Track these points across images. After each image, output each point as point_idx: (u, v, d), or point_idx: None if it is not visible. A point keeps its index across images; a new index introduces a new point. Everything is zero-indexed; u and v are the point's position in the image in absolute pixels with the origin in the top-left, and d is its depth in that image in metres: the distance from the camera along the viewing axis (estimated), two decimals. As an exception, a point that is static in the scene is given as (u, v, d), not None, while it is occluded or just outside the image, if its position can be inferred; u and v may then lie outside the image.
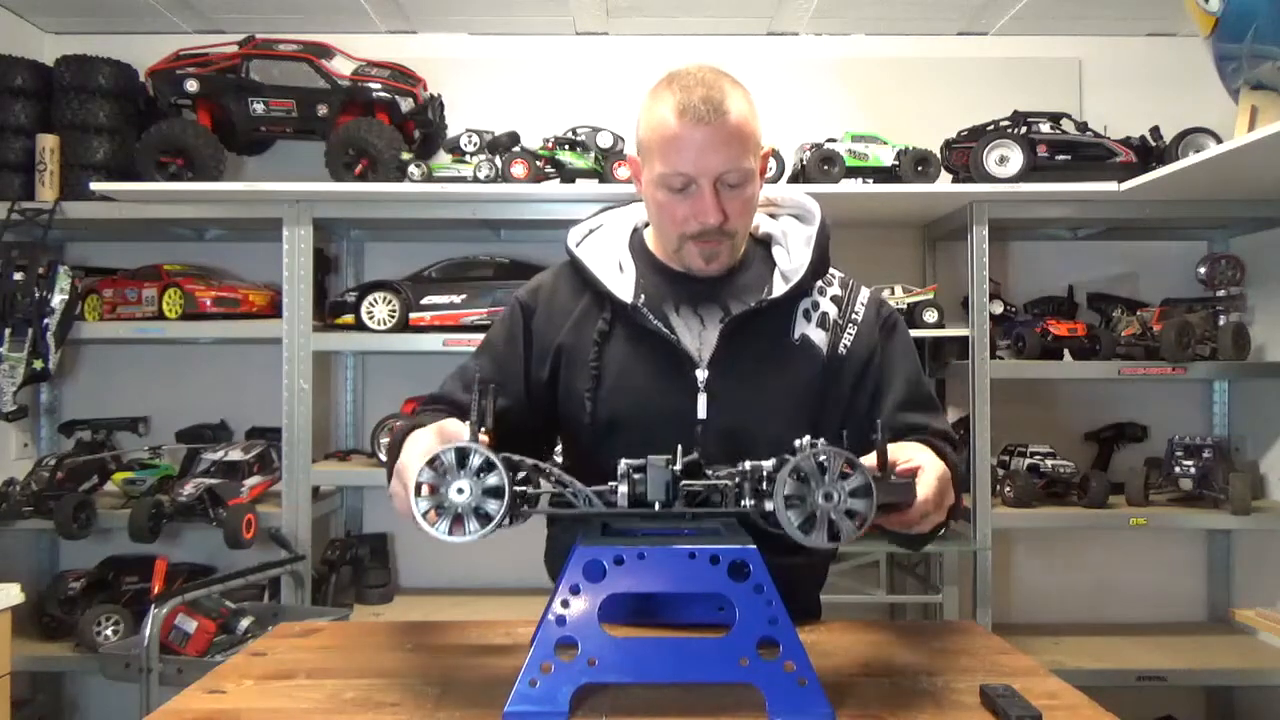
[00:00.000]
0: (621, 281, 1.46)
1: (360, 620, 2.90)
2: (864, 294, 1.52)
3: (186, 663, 2.32)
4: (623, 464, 1.09)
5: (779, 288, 1.45)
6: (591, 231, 1.56)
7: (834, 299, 1.49)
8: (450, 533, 1.02)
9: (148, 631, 2.22)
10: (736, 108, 1.36)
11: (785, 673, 1.03)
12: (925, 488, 1.18)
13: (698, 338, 1.44)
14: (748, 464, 1.08)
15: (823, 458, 1.03)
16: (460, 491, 1.02)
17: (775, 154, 2.87)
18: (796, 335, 1.45)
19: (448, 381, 1.51)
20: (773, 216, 1.57)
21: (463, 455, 1.03)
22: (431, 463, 1.02)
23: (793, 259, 1.49)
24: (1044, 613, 3.33)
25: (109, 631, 2.80)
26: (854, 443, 1.09)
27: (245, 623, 2.54)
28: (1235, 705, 3.27)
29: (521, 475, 1.08)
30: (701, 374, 1.41)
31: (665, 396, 1.41)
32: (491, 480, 1.02)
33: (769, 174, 2.84)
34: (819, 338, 1.45)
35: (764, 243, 1.55)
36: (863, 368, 1.46)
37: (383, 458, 2.89)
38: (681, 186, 1.38)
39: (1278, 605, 3.10)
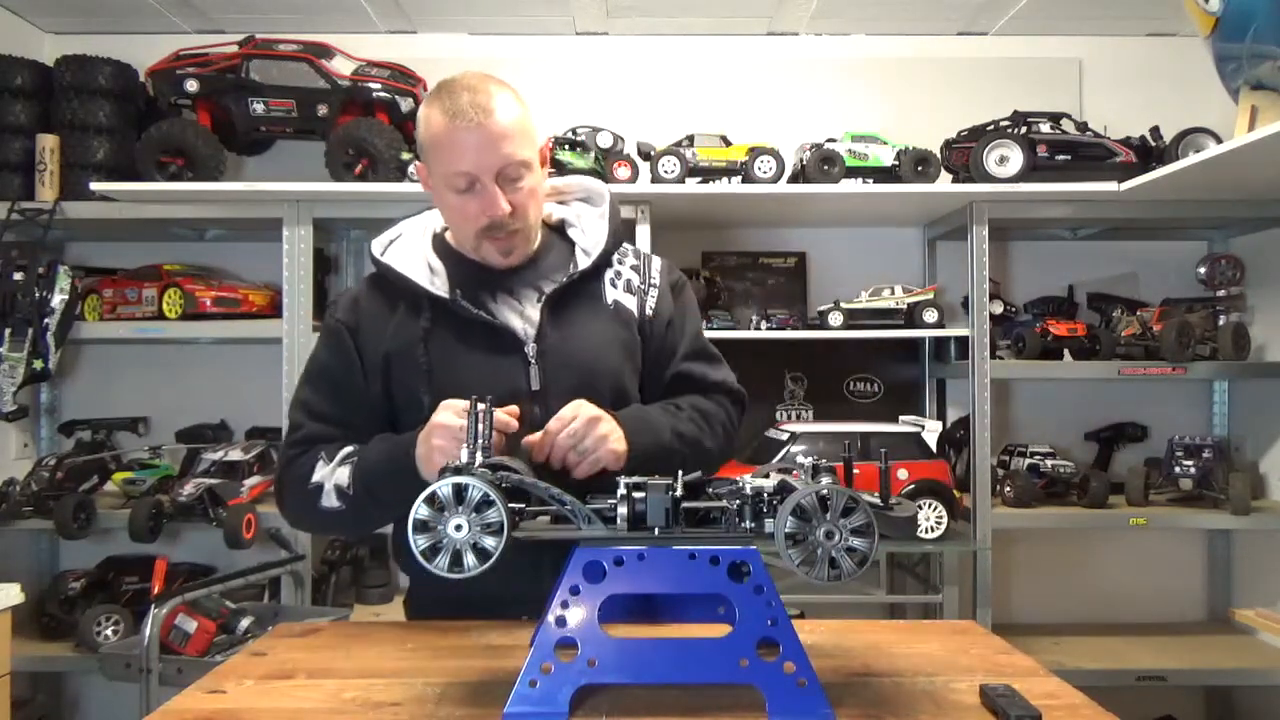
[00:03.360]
0: (435, 281, 1.54)
1: (360, 620, 2.90)
2: (657, 262, 1.66)
3: (186, 663, 2.32)
4: (622, 484, 1.09)
5: (583, 261, 1.57)
6: (392, 241, 1.62)
7: (633, 268, 1.63)
8: (450, 570, 1.02)
9: (148, 631, 2.22)
10: (503, 105, 1.46)
11: (785, 673, 1.03)
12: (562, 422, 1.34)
13: (520, 317, 1.53)
14: (749, 486, 1.09)
15: (825, 494, 1.02)
16: (459, 528, 1.02)
17: (775, 153, 2.87)
18: (609, 301, 1.58)
19: (303, 421, 1.53)
20: (563, 203, 1.68)
21: (460, 491, 1.03)
22: (429, 499, 1.02)
23: (590, 235, 1.61)
24: (1044, 613, 3.33)
25: (109, 631, 2.80)
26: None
27: (245, 623, 2.54)
28: (1235, 705, 3.27)
29: (518, 494, 1.09)
30: (530, 349, 1.50)
31: (498, 377, 1.47)
32: (490, 517, 1.02)
33: (767, 174, 2.87)
34: (630, 302, 1.59)
35: (558, 229, 1.66)
36: (665, 326, 1.61)
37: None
38: (467, 186, 1.47)
39: (1278, 605, 3.10)
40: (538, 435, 1.36)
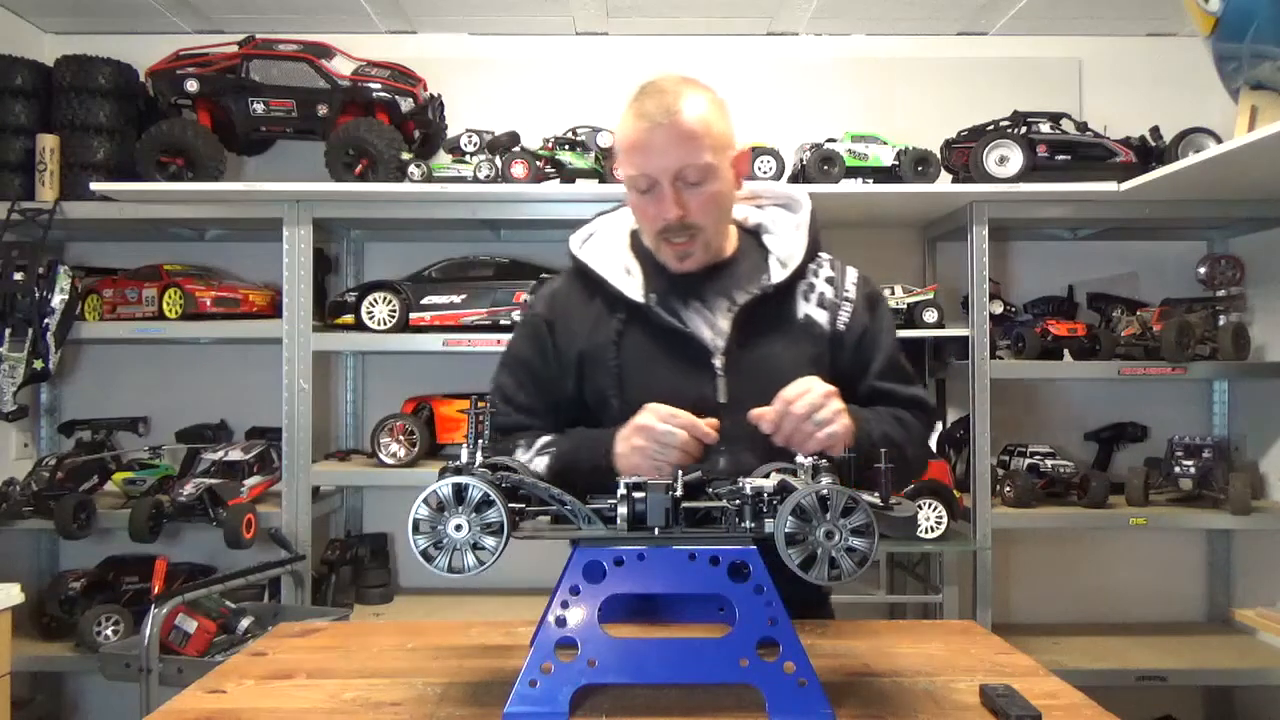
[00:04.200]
0: (630, 283, 1.54)
1: (360, 620, 2.90)
2: (852, 273, 1.62)
3: (186, 663, 2.32)
4: (622, 484, 1.09)
5: (778, 273, 1.54)
6: (591, 236, 1.62)
7: (828, 280, 1.59)
8: (449, 569, 1.02)
9: (148, 631, 2.22)
10: (691, 109, 1.44)
11: (785, 673, 1.03)
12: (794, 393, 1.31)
13: (710, 328, 1.52)
14: (749, 486, 1.09)
15: (825, 494, 1.02)
16: (459, 528, 1.02)
17: (775, 153, 2.88)
18: (801, 315, 1.55)
19: (501, 408, 1.58)
20: (759, 208, 1.66)
21: (461, 491, 1.03)
22: (428, 500, 1.02)
23: (786, 245, 1.57)
24: (1044, 613, 3.33)
25: (109, 631, 2.80)
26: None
27: (245, 623, 2.54)
28: (1235, 705, 3.27)
29: (519, 493, 1.09)
30: (718, 361, 1.49)
31: (686, 386, 1.47)
32: (490, 517, 1.03)
33: (767, 174, 2.87)
34: (821, 316, 1.55)
35: (754, 233, 1.63)
36: (857, 341, 1.57)
37: (376, 457, 2.89)
38: (646, 187, 1.47)
39: (1278, 605, 3.09)
40: (767, 409, 1.32)
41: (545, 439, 1.50)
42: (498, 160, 2.88)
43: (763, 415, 1.33)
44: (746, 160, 1.57)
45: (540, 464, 1.46)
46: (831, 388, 1.35)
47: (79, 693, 3.32)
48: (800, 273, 1.55)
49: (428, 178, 2.87)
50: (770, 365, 1.47)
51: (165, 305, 2.95)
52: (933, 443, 2.89)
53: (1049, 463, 3.06)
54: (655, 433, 1.33)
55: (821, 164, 2.87)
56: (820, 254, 1.61)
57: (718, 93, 1.52)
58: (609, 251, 1.58)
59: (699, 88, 1.49)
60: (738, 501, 1.09)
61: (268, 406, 3.04)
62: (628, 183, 1.50)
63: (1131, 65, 3.35)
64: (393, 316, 2.89)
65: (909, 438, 1.52)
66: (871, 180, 2.91)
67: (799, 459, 1.12)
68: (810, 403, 1.31)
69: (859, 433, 1.37)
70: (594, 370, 1.52)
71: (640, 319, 1.52)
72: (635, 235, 1.62)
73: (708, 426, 1.34)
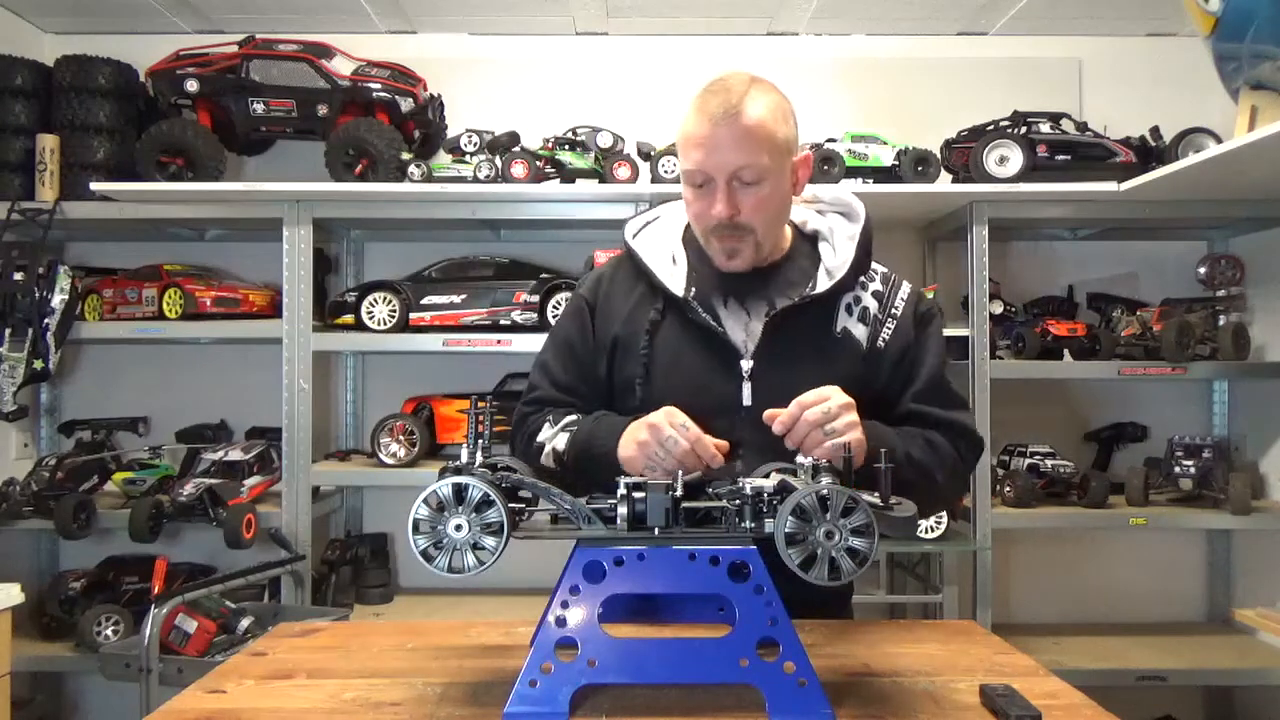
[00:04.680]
0: (674, 274, 1.54)
1: (360, 620, 2.90)
2: (905, 289, 1.58)
3: (186, 663, 2.32)
4: (622, 484, 1.09)
5: (823, 283, 1.52)
6: (648, 224, 1.63)
7: (875, 294, 1.56)
8: (449, 569, 1.03)
9: (148, 631, 2.22)
10: (754, 109, 1.43)
11: (785, 673, 1.03)
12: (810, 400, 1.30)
13: (744, 329, 1.51)
14: (749, 486, 1.09)
15: (825, 494, 1.02)
16: (459, 528, 1.02)
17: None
18: (839, 329, 1.52)
19: (540, 383, 1.60)
20: (820, 214, 1.63)
21: (460, 491, 1.03)
22: (428, 500, 1.02)
23: (838, 255, 1.55)
24: (1044, 613, 3.33)
25: (109, 631, 2.80)
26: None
27: (245, 623, 2.54)
28: (1235, 705, 3.26)
29: (519, 494, 1.09)
30: (746, 364, 1.48)
31: (711, 385, 1.48)
32: (490, 517, 1.03)
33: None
34: (859, 332, 1.52)
35: (811, 239, 1.61)
36: (897, 360, 1.53)
37: (376, 457, 2.89)
38: (701, 183, 1.47)
39: (1278, 605, 3.09)
40: (781, 410, 1.31)
41: (571, 417, 1.51)
42: (498, 160, 2.88)
43: (775, 416, 1.32)
44: (809, 166, 1.55)
45: (561, 441, 1.48)
46: (849, 400, 1.33)
47: (79, 693, 3.32)
48: (847, 285, 1.52)
49: (428, 178, 2.87)
50: (798, 376, 1.43)
51: (165, 305, 2.95)
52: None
53: (1049, 463, 3.06)
54: (661, 434, 1.33)
55: (821, 164, 2.87)
56: (875, 266, 1.58)
57: (785, 96, 1.51)
58: (660, 240, 1.58)
59: (766, 88, 1.47)
60: (738, 501, 1.09)
61: (268, 406, 3.04)
62: (684, 177, 1.49)
63: (1131, 65, 3.35)
64: (393, 316, 2.89)
65: (939, 461, 1.46)
66: (871, 180, 2.91)
67: (799, 459, 1.12)
68: (824, 410, 1.29)
69: (874, 449, 1.34)
70: (624, 356, 1.53)
71: (677, 311, 1.52)
72: (689, 227, 1.61)
73: (715, 449, 1.32)
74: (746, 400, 1.46)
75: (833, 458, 1.25)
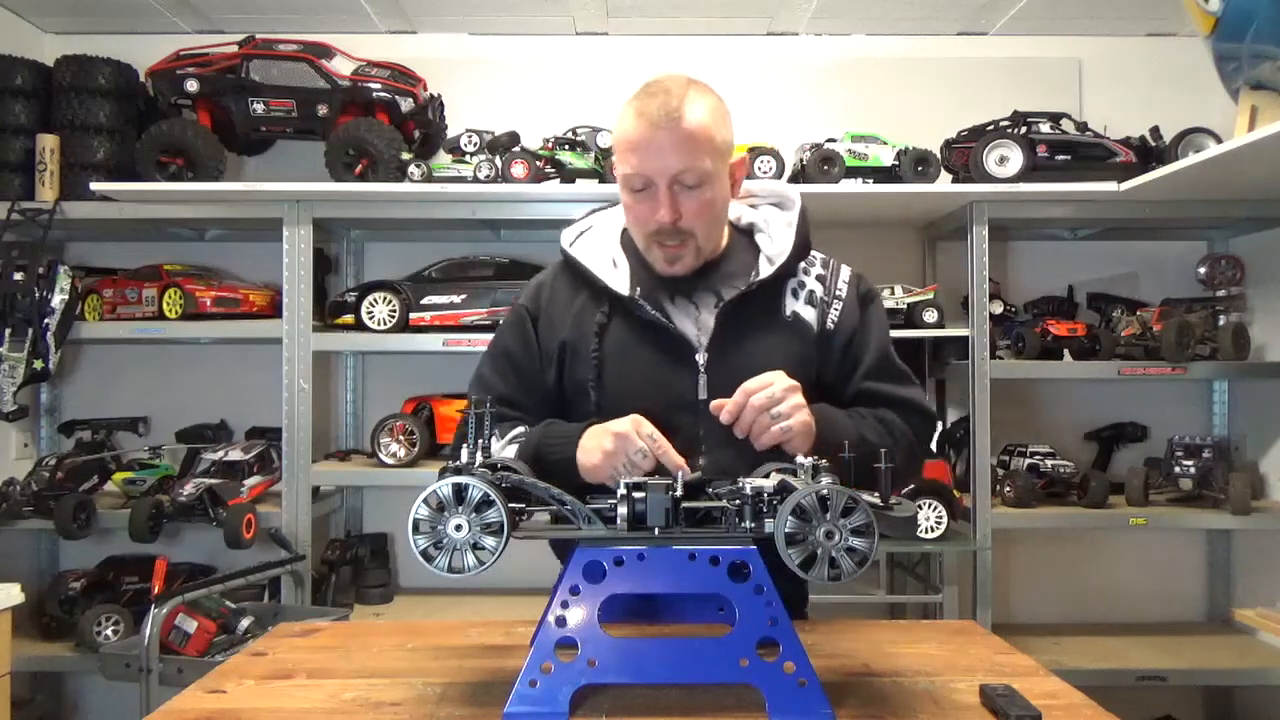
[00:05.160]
0: (617, 275, 1.52)
1: (360, 620, 2.90)
2: (845, 272, 1.59)
3: (186, 663, 2.32)
4: (622, 484, 1.09)
5: (765, 269, 1.52)
6: (583, 232, 1.62)
7: (818, 278, 1.57)
8: (449, 569, 1.03)
9: (148, 631, 2.22)
10: (694, 113, 1.42)
11: (785, 673, 1.03)
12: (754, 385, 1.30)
13: (694, 323, 1.50)
14: (749, 486, 1.09)
15: (825, 494, 1.02)
16: (459, 528, 1.02)
17: (775, 153, 2.87)
18: (788, 312, 1.53)
19: (478, 396, 1.54)
20: (753, 207, 1.64)
21: (460, 491, 1.03)
22: (428, 500, 1.02)
23: (776, 243, 1.56)
24: (1044, 613, 3.33)
25: (109, 631, 2.80)
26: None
27: (245, 623, 2.54)
28: (1235, 705, 3.27)
29: (519, 494, 1.09)
30: (701, 357, 1.47)
31: (667, 381, 1.47)
32: (490, 517, 1.03)
33: (767, 174, 2.87)
34: (809, 314, 1.53)
35: (747, 232, 1.62)
36: (847, 341, 1.54)
37: (376, 457, 2.89)
38: (641, 187, 1.45)
39: (1278, 605, 3.10)
40: (727, 400, 1.32)
41: (518, 429, 1.49)
42: (498, 160, 2.88)
43: (721, 405, 1.33)
44: (744, 167, 1.55)
45: (510, 452, 1.45)
46: (793, 383, 1.34)
47: (79, 693, 3.32)
48: (790, 270, 1.54)
49: (428, 178, 2.87)
50: (754, 364, 1.43)
51: (165, 305, 2.95)
52: (933, 446, 2.89)
53: (1049, 463, 3.06)
54: (630, 445, 1.30)
55: (821, 164, 2.87)
56: (814, 253, 1.60)
57: (721, 97, 1.50)
58: (599, 246, 1.57)
59: (704, 91, 1.46)
60: (738, 501, 1.09)
61: (268, 406, 3.04)
62: (622, 181, 1.47)
63: (1131, 65, 3.35)
64: (393, 316, 2.89)
65: (893, 442, 1.47)
66: (871, 180, 2.91)
67: (799, 459, 1.12)
68: (770, 395, 1.31)
69: (826, 432, 1.35)
70: (574, 361, 1.51)
71: (624, 312, 1.50)
72: (626, 231, 1.60)
73: (681, 464, 1.29)
74: (703, 394, 1.45)
75: (786, 446, 1.28)
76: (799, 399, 1.33)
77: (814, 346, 1.51)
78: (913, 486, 2.77)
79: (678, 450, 1.32)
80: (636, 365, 1.48)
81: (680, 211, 1.44)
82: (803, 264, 1.56)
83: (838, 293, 1.55)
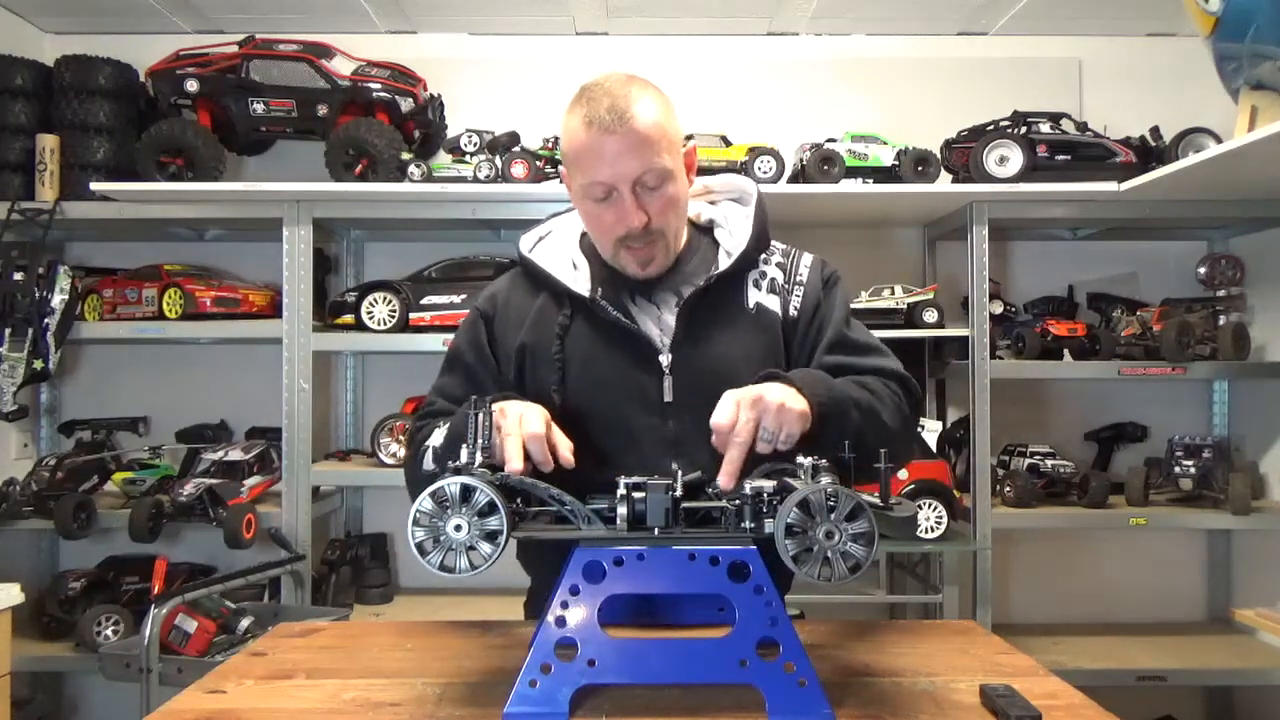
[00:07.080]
0: (577, 277, 1.51)
1: (360, 620, 2.90)
2: (807, 258, 1.58)
3: (186, 663, 2.32)
4: (622, 484, 1.09)
5: (724, 262, 1.51)
6: (542, 237, 1.60)
7: (779, 265, 1.55)
8: (441, 567, 1.02)
9: (148, 631, 2.22)
10: (643, 112, 1.39)
11: (785, 673, 1.03)
12: (735, 399, 1.22)
13: (657, 324, 1.49)
14: (749, 486, 1.08)
15: (833, 494, 1.02)
16: (458, 529, 1.02)
17: (775, 153, 2.87)
18: (751, 304, 1.51)
19: (434, 400, 1.56)
20: (712, 203, 1.63)
21: (467, 492, 1.03)
22: (434, 494, 1.02)
23: (735, 236, 1.54)
24: (1044, 613, 3.33)
25: (109, 631, 2.80)
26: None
27: (245, 623, 2.54)
28: (1235, 705, 3.27)
29: (519, 494, 1.08)
30: (665, 358, 1.45)
31: (631, 383, 1.45)
32: (491, 524, 1.03)
33: (768, 174, 2.87)
34: (772, 303, 1.51)
35: (707, 230, 1.61)
36: (809, 321, 1.52)
37: (375, 457, 2.90)
38: (604, 195, 1.42)
39: (1278, 605, 3.10)
40: (729, 467, 1.19)
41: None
42: (498, 160, 2.88)
43: (731, 473, 1.19)
44: (695, 155, 1.53)
45: (438, 436, 1.41)
46: (754, 393, 1.23)
47: (79, 693, 3.32)
48: (750, 262, 1.52)
49: (428, 178, 2.87)
50: (719, 364, 1.42)
51: (165, 305, 2.95)
52: (931, 442, 2.89)
53: (1049, 463, 3.06)
54: (507, 424, 1.23)
55: (821, 164, 2.87)
56: (774, 243, 1.58)
57: (659, 87, 1.47)
58: (558, 249, 1.56)
59: (644, 86, 1.43)
60: (738, 502, 1.09)
61: (268, 406, 3.04)
62: (581, 192, 1.44)
63: (1131, 65, 3.35)
64: (393, 316, 2.89)
65: (881, 405, 1.38)
66: (871, 180, 2.91)
67: (799, 459, 1.12)
68: (748, 433, 1.20)
69: (824, 400, 1.27)
70: (535, 363, 1.49)
71: (586, 313, 1.48)
72: (585, 235, 1.59)
73: (565, 455, 1.24)
74: (668, 396, 1.43)
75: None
76: (773, 397, 1.22)
77: (779, 336, 1.50)
78: (913, 486, 2.77)
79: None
80: (599, 368, 1.46)
81: (648, 212, 1.42)
82: (763, 255, 1.55)
83: (799, 278, 1.53)
